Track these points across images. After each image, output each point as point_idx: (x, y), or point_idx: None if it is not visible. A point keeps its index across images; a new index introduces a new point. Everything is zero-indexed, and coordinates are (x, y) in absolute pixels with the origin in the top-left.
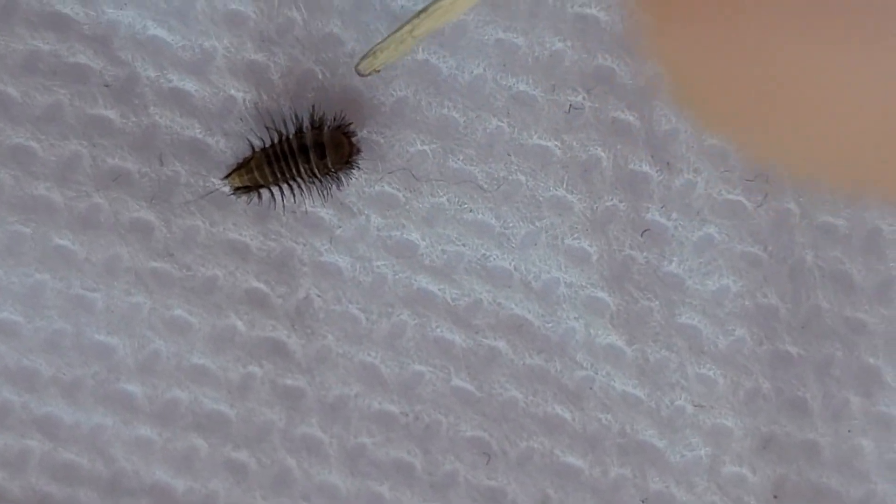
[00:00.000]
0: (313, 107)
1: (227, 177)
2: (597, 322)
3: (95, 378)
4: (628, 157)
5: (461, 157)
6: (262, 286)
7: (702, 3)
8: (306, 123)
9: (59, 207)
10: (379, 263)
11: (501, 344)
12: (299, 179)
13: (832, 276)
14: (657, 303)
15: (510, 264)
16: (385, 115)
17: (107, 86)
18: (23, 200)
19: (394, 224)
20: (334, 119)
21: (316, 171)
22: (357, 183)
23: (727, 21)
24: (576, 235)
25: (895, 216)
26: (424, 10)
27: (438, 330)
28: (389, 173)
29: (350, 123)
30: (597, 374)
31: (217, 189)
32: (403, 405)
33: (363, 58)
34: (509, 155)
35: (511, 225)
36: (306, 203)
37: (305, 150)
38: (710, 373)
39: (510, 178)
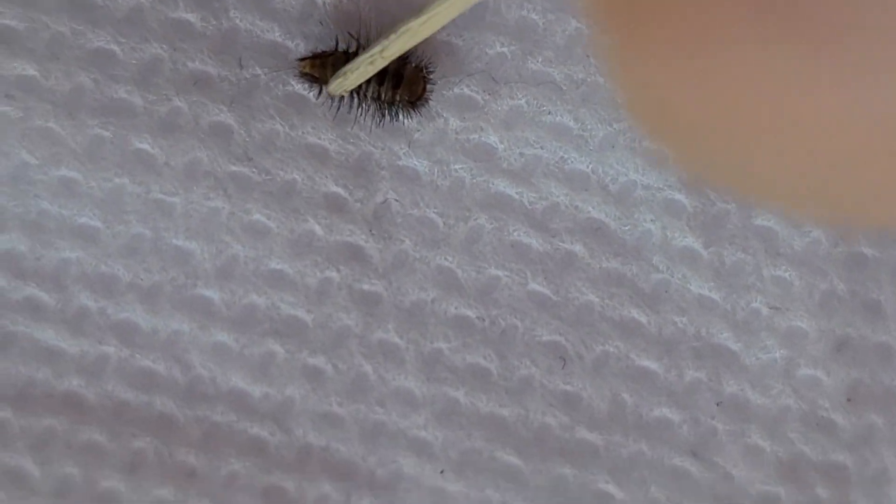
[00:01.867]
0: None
1: (302, 59)
2: (673, 224)
3: (173, 284)
4: None
5: (540, 59)
6: (340, 190)
7: (668, 31)
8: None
9: (139, 111)
10: (457, 167)
11: (578, 248)
12: (363, 95)
13: None
14: (734, 205)
15: (588, 167)
16: (464, 17)
17: None
18: (103, 104)
19: (472, 127)
20: (421, 60)
21: (383, 95)
22: (437, 86)
23: (694, 49)
24: None
25: None
26: (394, 31)
27: (515, 234)
28: (468, 76)
29: (433, 71)
30: (672, 276)
31: (288, 71)
32: (480, 310)
33: (333, 78)
34: (588, 56)
35: (589, 127)
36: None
37: (384, 73)
38: (786, 275)
39: (589, 79)
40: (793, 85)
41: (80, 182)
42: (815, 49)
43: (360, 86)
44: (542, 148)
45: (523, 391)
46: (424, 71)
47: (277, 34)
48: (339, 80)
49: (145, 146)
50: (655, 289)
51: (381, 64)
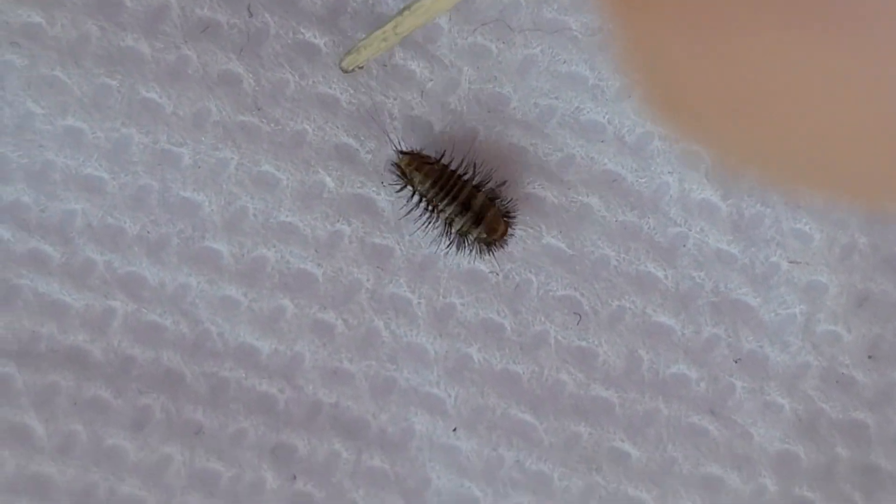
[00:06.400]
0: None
1: (403, 153)
2: (691, 176)
3: (181, 236)
4: None
5: (556, 7)
6: (351, 141)
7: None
8: (490, 185)
9: (146, 59)
10: (471, 118)
11: (594, 200)
12: (436, 212)
13: None
14: None
15: (604, 117)
16: None
17: None
18: (109, 52)
19: (486, 76)
20: (505, 204)
21: (458, 225)
22: (449, 35)
23: (702, 21)
24: None
25: None
26: (407, 7)
27: (530, 186)
28: (483, 24)
29: (515, 216)
30: (690, 230)
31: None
32: (493, 264)
33: (346, 54)
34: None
35: (605, 77)
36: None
37: (467, 206)
38: (806, 228)
39: (605, 28)
40: (803, 68)
41: (86, 132)
42: (824, 33)
43: (433, 202)
44: (556, 98)
45: (537, 347)
46: (507, 216)
47: None
48: (353, 55)
49: (153, 95)
50: (672, 242)
51: (394, 41)
